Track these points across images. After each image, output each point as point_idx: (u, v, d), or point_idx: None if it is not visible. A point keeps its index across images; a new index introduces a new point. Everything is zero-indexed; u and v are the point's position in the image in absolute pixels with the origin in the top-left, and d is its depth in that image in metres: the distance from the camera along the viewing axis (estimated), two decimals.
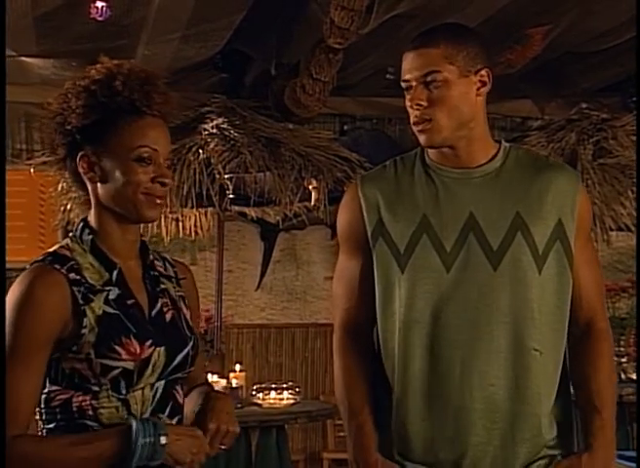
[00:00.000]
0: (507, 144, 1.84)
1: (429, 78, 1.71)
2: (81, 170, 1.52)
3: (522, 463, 1.74)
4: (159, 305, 1.57)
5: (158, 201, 1.52)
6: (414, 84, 1.74)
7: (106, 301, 1.49)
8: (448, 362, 1.72)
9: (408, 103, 1.75)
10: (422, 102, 1.72)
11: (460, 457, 1.73)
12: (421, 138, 1.76)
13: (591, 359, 1.79)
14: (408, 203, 1.77)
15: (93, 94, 1.50)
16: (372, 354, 1.83)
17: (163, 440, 1.41)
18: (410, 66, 1.74)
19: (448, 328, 1.72)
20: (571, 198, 1.77)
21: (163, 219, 4.44)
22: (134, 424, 1.42)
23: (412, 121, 1.76)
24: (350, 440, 1.79)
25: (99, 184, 1.52)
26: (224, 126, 4.38)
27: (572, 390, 1.84)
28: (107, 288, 1.50)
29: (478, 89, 1.75)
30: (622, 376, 4.69)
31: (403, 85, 1.76)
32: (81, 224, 1.56)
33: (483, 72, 1.75)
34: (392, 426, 1.78)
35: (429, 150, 1.80)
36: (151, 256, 1.61)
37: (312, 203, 4.40)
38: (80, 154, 1.52)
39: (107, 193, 1.52)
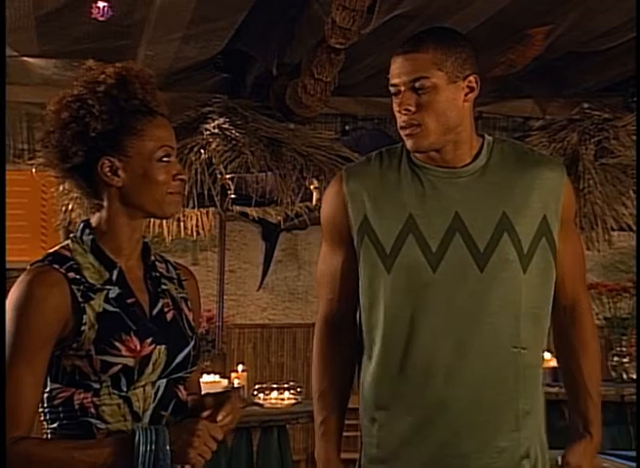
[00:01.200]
0: (490, 139, 1.84)
1: (418, 84, 1.73)
2: (104, 176, 1.53)
3: (508, 458, 1.74)
4: (160, 305, 1.58)
5: (179, 197, 1.57)
6: (402, 89, 1.75)
7: (106, 300, 1.51)
8: (432, 362, 1.72)
9: (396, 108, 1.77)
10: (411, 107, 1.74)
11: (443, 454, 1.73)
12: (409, 143, 1.77)
13: (580, 342, 1.85)
14: (394, 201, 1.78)
15: (114, 99, 1.51)
16: (353, 346, 1.84)
17: (168, 447, 1.42)
18: (399, 71, 1.75)
19: (433, 329, 1.72)
20: (556, 193, 1.78)
21: (165, 219, 4.44)
22: (137, 432, 1.43)
23: (399, 125, 1.77)
24: (316, 434, 1.83)
25: (121, 188, 1.53)
26: (226, 126, 4.38)
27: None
28: (107, 287, 1.52)
29: (466, 94, 1.76)
30: (624, 376, 4.68)
31: (391, 89, 1.78)
32: (82, 225, 1.58)
33: (471, 78, 1.76)
34: (375, 424, 1.78)
35: None
36: (153, 258, 1.62)
37: (314, 203, 4.40)
38: (103, 160, 1.52)
39: (133, 195, 1.53)
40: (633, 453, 2.67)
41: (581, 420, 1.84)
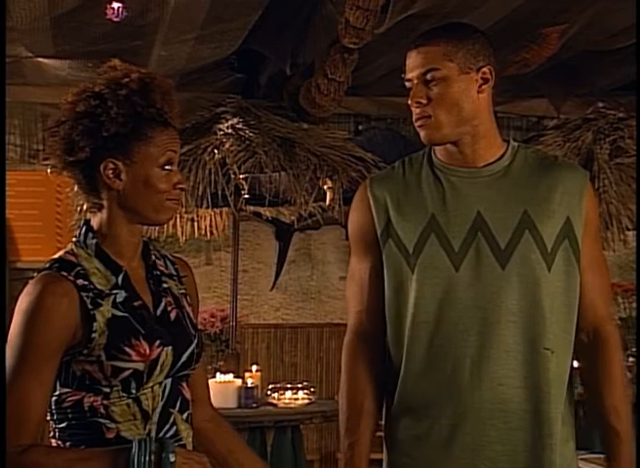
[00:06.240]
0: (516, 144, 1.83)
1: (429, 76, 1.73)
2: (105, 177, 1.53)
3: (535, 463, 1.73)
4: (163, 304, 1.58)
5: (177, 204, 1.57)
6: (415, 82, 1.75)
7: (114, 305, 1.50)
8: (457, 362, 1.71)
9: (409, 101, 1.77)
10: (422, 100, 1.74)
11: (471, 458, 1.72)
12: (422, 135, 1.77)
13: (603, 372, 1.75)
14: (416, 203, 1.77)
15: (133, 104, 1.51)
16: (382, 359, 1.81)
17: (172, 457, 1.40)
18: (411, 65, 1.76)
19: (457, 327, 1.72)
20: (579, 197, 1.76)
21: (178, 219, 4.45)
22: (133, 443, 1.41)
23: (413, 118, 1.77)
24: (342, 455, 1.79)
25: (120, 191, 1.53)
26: (239, 126, 4.38)
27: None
28: (115, 291, 1.52)
29: (480, 86, 1.75)
30: None
31: (406, 84, 1.78)
32: (84, 228, 1.57)
33: (485, 69, 1.75)
34: (401, 425, 1.78)
35: (436, 149, 1.81)
36: (153, 256, 1.62)
37: (327, 203, 4.40)
38: (107, 161, 1.52)
39: (131, 200, 1.53)
40: None
41: (606, 453, 1.74)
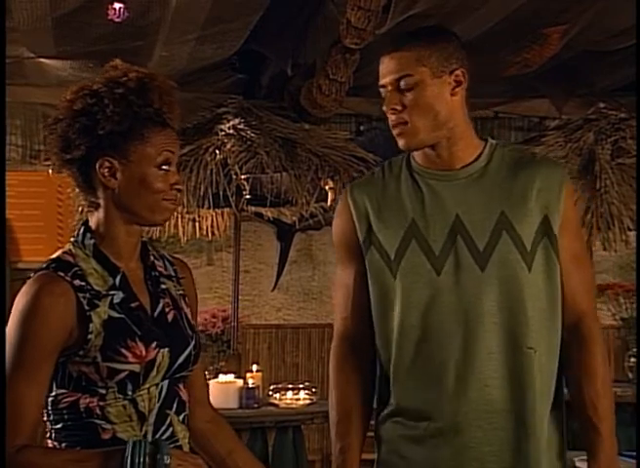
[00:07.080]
0: (494, 142, 1.83)
1: (402, 82, 1.74)
2: (101, 175, 1.53)
3: (521, 463, 1.72)
4: (161, 306, 1.58)
5: (173, 205, 1.56)
6: (389, 88, 1.76)
7: (111, 306, 1.50)
8: (443, 365, 1.71)
9: (384, 108, 1.77)
10: (397, 107, 1.74)
11: (460, 460, 1.72)
12: (399, 142, 1.77)
13: (583, 366, 1.74)
14: (395, 208, 1.78)
15: (129, 103, 1.51)
16: (370, 363, 1.82)
17: (166, 459, 1.40)
18: (384, 71, 1.77)
19: (441, 331, 1.72)
20: (557, 193, 1.76)
21: (180, 220, 4.46)
22: (128, 444, 1.41)
23: (390, 125, 1.78)
24: (334, 459, 1.79)
25: (115, 190, 1.53)
26: (241, 126, 4.38)
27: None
28: (112, 292, 1.52)
29: (453, 88, 1.76)
30: None
31: (380, 90, 1.78)
32: (82, 228, 1.57)
33: (458, 72, 1.76)
34: (392, 427, 1.78)
35: (414, 153, 1.81)
36: (152, 257, 1.62)
37: (328, 203, 4.40)
38: (103, 159, 1.52)
39: (127, 200, 1.53)
40: None
41: (586, 449, 1.73)
